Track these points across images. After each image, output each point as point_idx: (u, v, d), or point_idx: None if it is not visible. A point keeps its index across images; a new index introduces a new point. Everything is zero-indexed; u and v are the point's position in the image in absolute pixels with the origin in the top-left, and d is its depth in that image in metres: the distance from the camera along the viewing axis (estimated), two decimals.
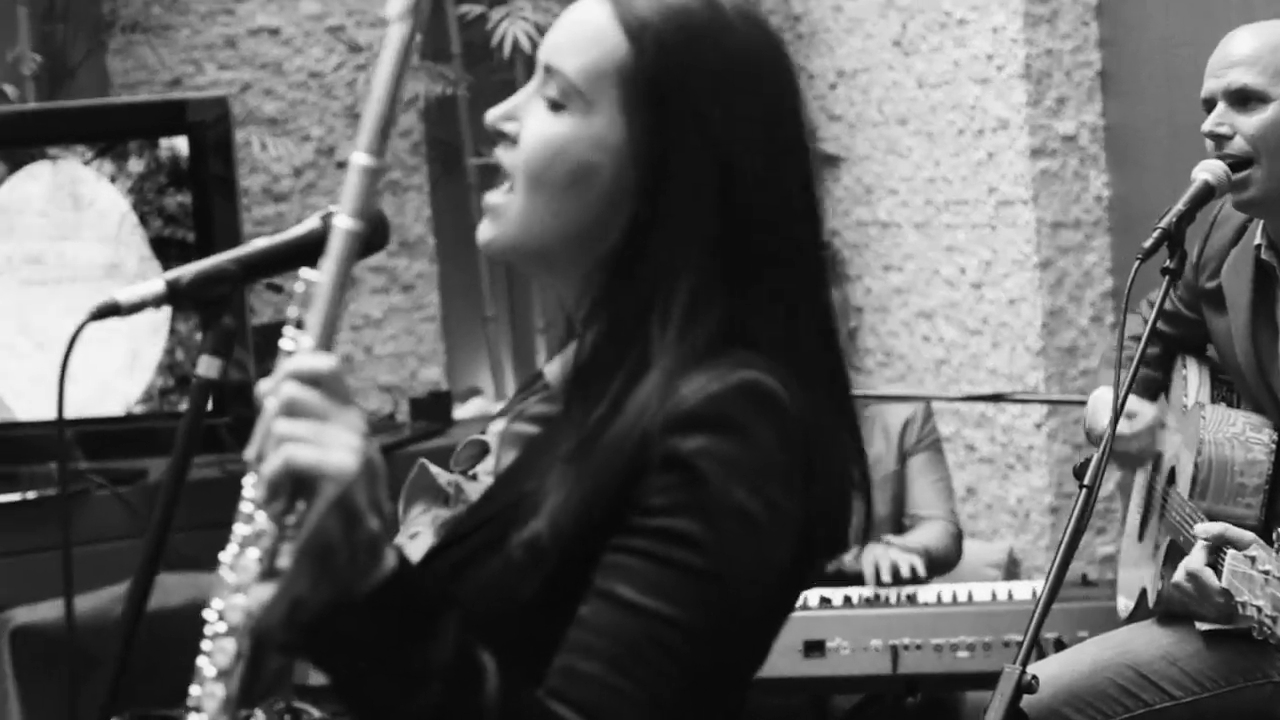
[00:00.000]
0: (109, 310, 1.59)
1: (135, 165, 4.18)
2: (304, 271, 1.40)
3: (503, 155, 1.56)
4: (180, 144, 4.14)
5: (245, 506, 1.37)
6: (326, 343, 1.36)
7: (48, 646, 4.00)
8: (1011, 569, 4.75)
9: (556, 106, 1.52)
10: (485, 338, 5.52)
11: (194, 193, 4.15)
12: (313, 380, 1.33)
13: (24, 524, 4.23)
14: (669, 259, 1.48)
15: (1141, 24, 4.75)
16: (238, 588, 1.35)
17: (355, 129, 5.30)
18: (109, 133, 4.23)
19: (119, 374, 4.05)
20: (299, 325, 1.39)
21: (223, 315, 1.60)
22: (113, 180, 4.19)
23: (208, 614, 1.37)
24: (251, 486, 1.37)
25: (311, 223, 1.61)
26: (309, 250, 1.54)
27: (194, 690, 1.36)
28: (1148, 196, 4.61)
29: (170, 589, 4.04)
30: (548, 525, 1.42)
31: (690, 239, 1.48)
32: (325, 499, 1.30)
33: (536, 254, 1.56)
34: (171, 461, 1.50)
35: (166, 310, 4.11)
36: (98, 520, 4.21)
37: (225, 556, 1.37)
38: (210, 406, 1.67)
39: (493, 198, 1.56)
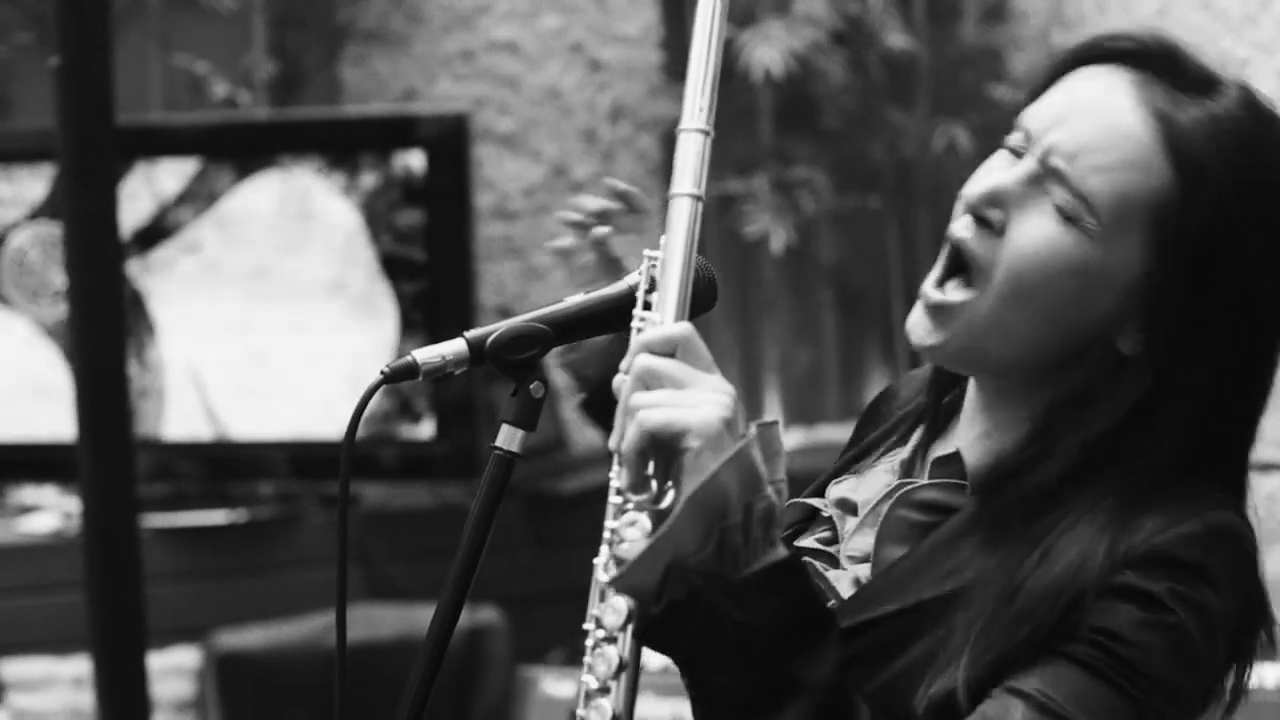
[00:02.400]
0: (405, 373, 1.45)
1: (368, 179, 4.27)
2: (647, 251, 1.43)
3: (973, 243, 1.46)
4: (414, 159, 4.22)
5: (613, 499, 1.36)
6: (681, 314, 1.37)
7: (255, 674, 4.09)
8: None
9: (1068, 219, 1.43)
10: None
11: (427, 210, 4.22)
12: (667, 348, 1.34)
13: (232, 545, 4.33)
14: (1156, 411, 1.42)
15: None
16: (613, 590, 1.33)
17: (590, 149, 5.37)
18: (341, 144, 4.33)
19: (341, 395, 4.14)
20: (646, 306, 1.41)
21: (529, 380, 1.47)
22: (343, 194, 4.28)
23: (586, 624, 1.36)
24: (616, 476, 1.36)
25: (632, 279, 1.49)
26: (628, 312, 1.46)
27: (579, 711, 1.35)
28: None
29: (379, 621, 4.12)
30: (964, 690, 1.36)
31: (1186, 396, 1.42)
32: (694, 452, 1.29)
33: (992, 367, 1.49)
34: (464, 544, 1.44)
35: (393, 330, 4.23)
36: (308, 545, 4.30)
37: (598, 559, 1.36)
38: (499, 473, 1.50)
39: (946, 294, 1.47)
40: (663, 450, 1.32)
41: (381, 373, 1.44)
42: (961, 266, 1.48)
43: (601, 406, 1.94)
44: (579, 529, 4.78)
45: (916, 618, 1.42)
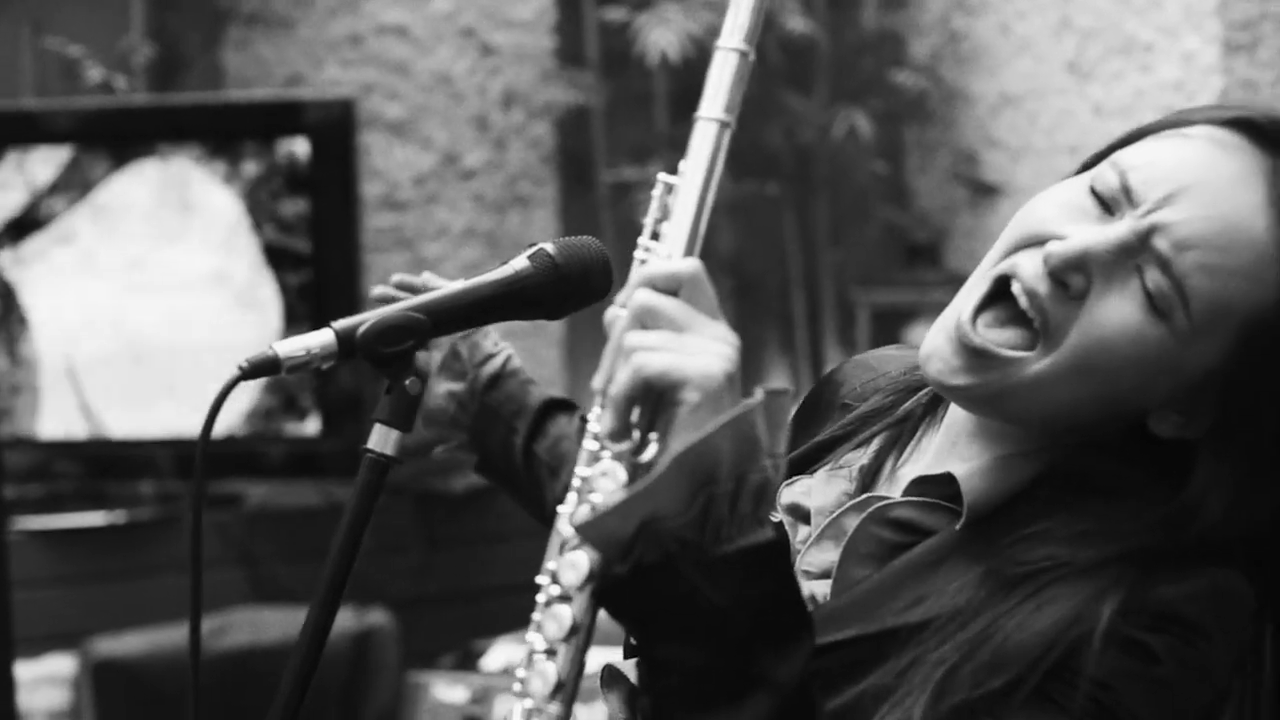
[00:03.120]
0: (266, 367, 1.35)
1: (250, 167, 4.22)
2: (662, 175, 1.33)
3: (1046, 302, 1.36)
4: (298, 147, 4.18)
5: (589, 445, 1.27)
6: (691, 249, 1.28)
7: (132, 681, 4.03)
8: None
9: (1156, 309, 1.34)
10: None
11: (312, 199, 4.18)
12: (671, 284, 1.25)
13: (110, 547, 4.27)
14: (1186, 498, 1.36)
15: None
16: (574, 544, 1.24)
17: (482, 137, 5.34)
18: (222, 131, 4.28)
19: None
20: (654, 236, 1.32)
21: (405, 375, 1.35)
22: (225, 182, 4.23)
23: (539, 578, 1.26)
24: (596, 420, 1.26)
25: (518, 263, 1.39)
26: (516, 298, 1.38)
27: (519, 672, 1.26)
28: None
29: (264, 624, 4.07)
30: None
31: (1222, 493, 1.36)
32: (691, 406, 1.20)
33: (1013, 419, 1.41)
34: (332, 559, 1.34)
35: (278, 323, 4.18)
36: (189, 547, 4.24)
37: (563, 508, 1.27)
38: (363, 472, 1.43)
39: (994, 343, 1.38)
40: (653, 399, 1.23)
41: (239, 368, 1.35)
42: (998, 299, 1.39)
43: (492, 467, 1.90)
44: (471, 528, 4.78)
45: (879, 644, 1.34)
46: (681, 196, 1.30)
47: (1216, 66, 4.75)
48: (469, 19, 5.29)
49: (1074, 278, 1.35)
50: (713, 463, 1.20)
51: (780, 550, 1.24)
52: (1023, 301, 1.37)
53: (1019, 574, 1.33)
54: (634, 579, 1.21)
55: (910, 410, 1.53)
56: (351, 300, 4.20)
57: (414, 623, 4.26)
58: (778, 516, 1.50)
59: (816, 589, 1.43)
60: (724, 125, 1.31)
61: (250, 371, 1.34)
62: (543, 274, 1.39)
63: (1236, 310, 1.34)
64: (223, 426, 4.33)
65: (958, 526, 1.40)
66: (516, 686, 1.26)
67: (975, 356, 1.38)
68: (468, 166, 5.20)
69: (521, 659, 1.27)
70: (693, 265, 1.26)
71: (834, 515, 1.46)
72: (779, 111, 5.18)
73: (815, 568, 1.45)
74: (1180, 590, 1.31)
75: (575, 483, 1.27)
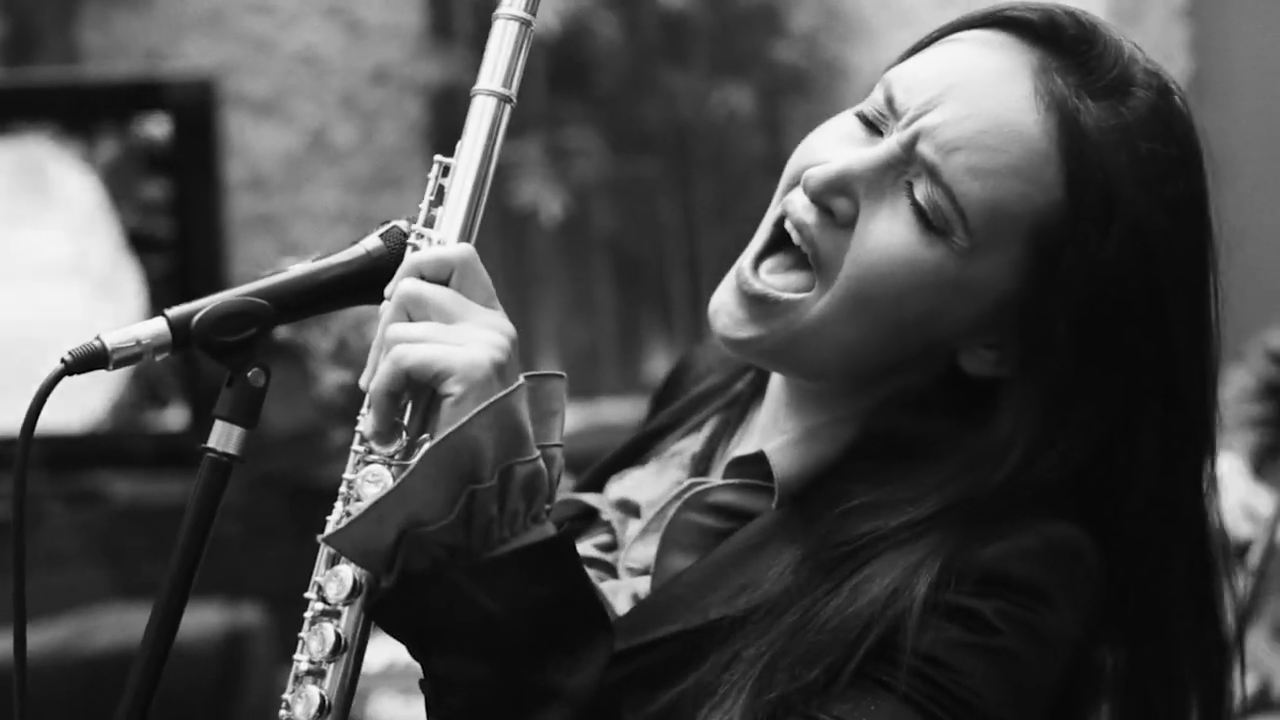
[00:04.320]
0: (92, 360, 1.25)
1: (107, 148, 4.16)
2: (437, 156, 1.28)
3: (815, 232, 1.29)
4: (158, 126, 4.13)
5: (356, 447, 1.22)
6: (467, 234, 1.24)
7: None
8: None
9: (931, 227, 1.26)
10: None
11: (173, 181, 4.13)
12: (441, 271, 1.20)
13: None
14: (1002, 443, 1.28)
15: (1236, 26, 4.72)
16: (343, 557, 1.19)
17: (351, 115, 5.31)
18: (78, 110, 4.22)
19: (84, 383, 4.02)
20: (428, 224, 1.27)
21: (248, 367, 1.26)
22: (81, 163, 4.17)
23: (307, 593, 1.22)
24: (362, 421, 1.22)
25: (370, 242, 1.29)
26: (368, 282, 1.28)
27: (285, 695, 1.21)
28: (1239, 211, 4.58)
29: (132, 624, 4.02)
30: None
31: (1041, 435, 1.27)
32: (454, 399, 1.15)
33: (809, 371, 1.34)
34: (173, 567, 1.24)
35: (140, 311, 4.13)
36: (51, 545, 4.19)
37: (332, 517, 1.22)
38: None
39: (771, 286, 1.31)
40: (421, 395, 1.19)
41: (62, 361, 1.25)
42: (781, 245, 1.33)
43: None
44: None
45: (701, 638, 1.28)
46: (456, 178, 1.26)
47: None
48: None
49: (838, 202, 1.29)
50: (472, 457, 1.16)
51: (561, 549, 1.20)
52: (795, 237, 1.32)
53: (835, 555, 1.27)
54: (401, 591, 1.17)
55: (740, 391, 1.48)
56: (217, 287, 4.15)
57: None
58: (607, 514, 1.45)
59: (639, 586, 1.37)
60: (503, 100, 1.28)
61: (75, 365, 1.25)
62: (396, 254, 1.29)
63: (1019, 216, 1.26)
64: (86, 419, 4.29)
65: (773, 505, 1.35)
66: (283, 711, 1.22)
67: (757, 304, 1.32)
68: (336, 146, 5.17)
69: (289, 681, 1.22)
70: (464, 251, 1.22)
71: (660, 507, 1.40)
72: (656, 87, 5.18)
73: (638, 564, 1.39)
74: (1004, 548, 1.24)
75: (341, 489, 1.23)
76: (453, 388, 1.17)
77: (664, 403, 1.57)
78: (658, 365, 5.48)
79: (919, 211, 1.27)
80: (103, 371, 1.29)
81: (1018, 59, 1.29)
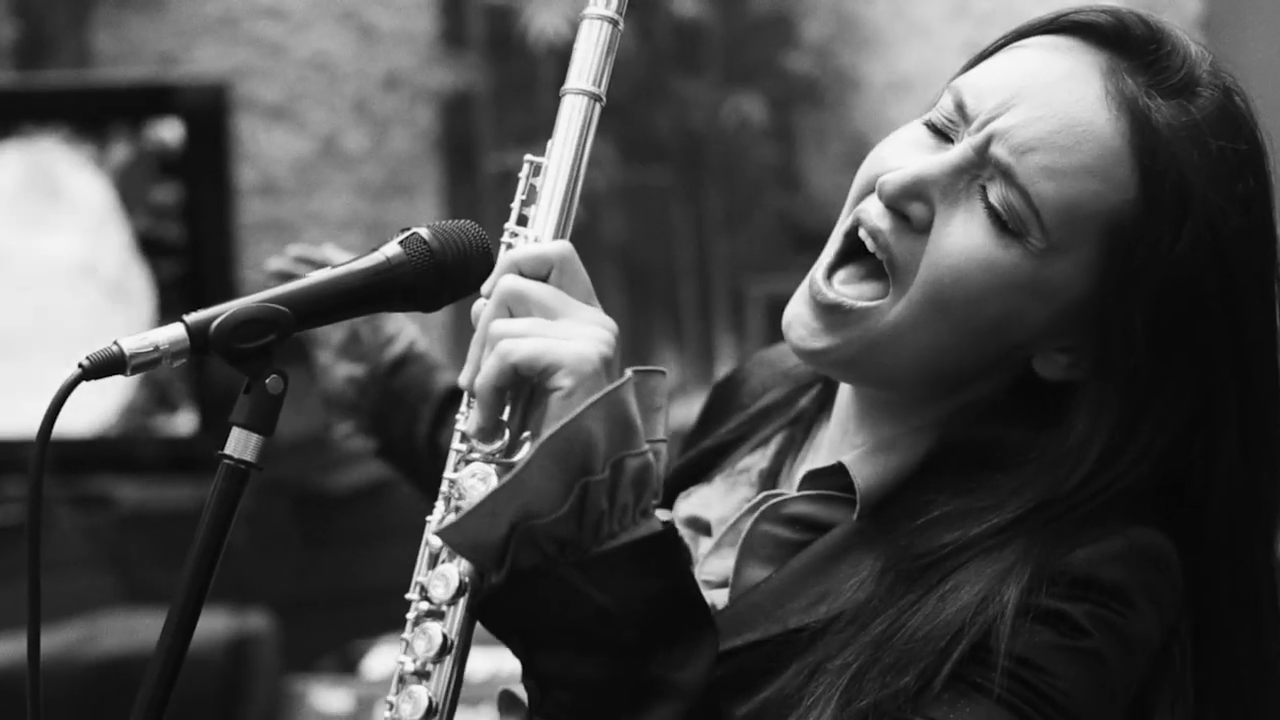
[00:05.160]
0: (110, 365, 1.24)
1: (119, 152, 4.16)
2: (528, 156, 1.28)
3: (890, 239, 1.30)
4: (170, 130, 4.12)
5: (457, 446, 1.22)
6: (561, 232, 1.24)
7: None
8: None
9: (1007, 229, 1.27)
10: None
11: (185, 185, 4.13)
12: (540, 269, 1.20)
13: None
14: (1085, 450, 1.27)
15: (1250, 38, 4.71)
16: (446, 556, 1.20)
17: (362, 120, 5.30)
18: (90, 113, 4.21)
19: (95, 387, 4.01)
20: (521, 221, 1.27)
21: (265, 373, 1.25)
22: (93, 167, 4.17)
23: (409, 594, 1.21)
24: (463, 420, 1.22)
25: (389, 249, 1.29)
26: (387, 288, 1.28)
27: (390, 696, 1.20)
28: None
29: (138, 629, 4.01)
30: None
31: (1124, 438, 1.27)
32: (564, 392, 1.14)
33: (883, 381, 1.34)
34: (188, 574, 1.25)
35: (150, 315, 4.13)
36: (60, 548, 4.18)
37: (432, 516, 1.22)
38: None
39: (846, 294, 1.31)
40: (525, 391, 1.19)
41: (81, 365, 1.24)
42: (853, 255, 1.33)
43: (394, 455, 1.86)
44: (351, 528, 4.74)
45: (781, 647, 1.28)
46: (549, 177, 1.27)
47: None
48: None
49: (913, 207, 1.29)
50: (585, 449, 1.15)
51: (670, 543, 1.19)
52: (869, 245, 1.32)
53: (919, 566, 1.27)
54: (510, 587, 1.16)
55: (804, 408, 1.48)
56: (227, 292, 4.16)
57: (293, 627, 4.23)
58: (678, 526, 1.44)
59: (717, 598, 1.37)
60: (594, 99, 1.29)
61: (92, 370, 1.24)
62: (417, 261, 1.29)
63: (1093, 215, 1.27)
64: (95, 424, 4.29)
65: (854, 517, 1.35)
66: (386, 713, 1.21)
67: (831, 314, 1.32)
68: (348, 152, 5.17)
69: (392, 682, 1.22)
70: (563, 248, 1.23)
71: (732, 521, 1.40)
72: (668, 96, 5.17)
73: (715, 577, 1.39)
74: (1093, 553, 1.24)
75: (443, 488, 1.23)
76: (562, 381, 1.17)
77: (715, 416, 1.57)
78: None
79: (994, 214, 1.27)
80: (114, 377, 1.28)
81: (1087, 61, 1.29)
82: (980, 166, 1.28)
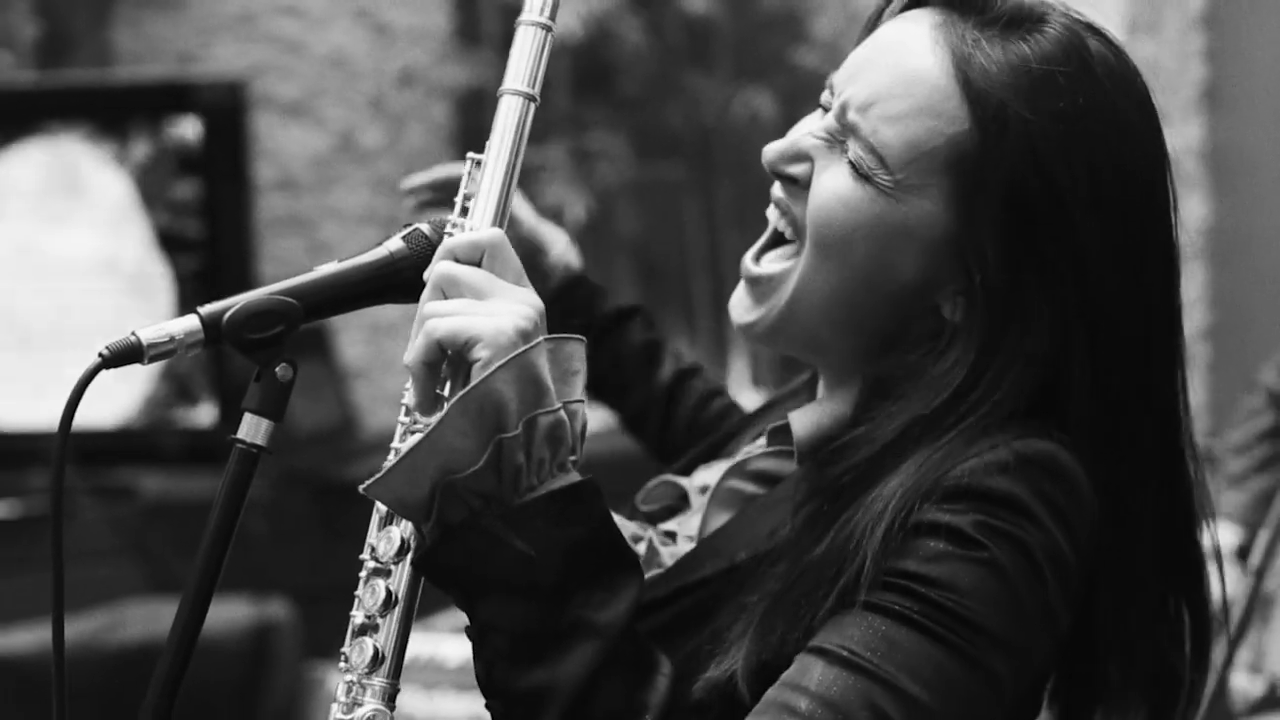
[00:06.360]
0: (128, 354, 1.29)
1: (139, 149, 4.18)
2: (470, 154, 1.36)
3: (788, 202, 1.41)
4: (189, 127, 4.14)
5: (401, 418, 1.31)
6: (498, 221, 1.32)
7: (22, 680, 3.99)
8: None
9: (859, 173, 1.36)
10: None
11: (204, 181, 4.14)
12: (473, 254, 1.28)
13: (0, 540, 4.22)
14: (982, 375, 1.32)
15: (1253, 35, 4.71)
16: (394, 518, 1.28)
17: (379, 117, 5.31)
18: (111, 111, 4.23)
19: (116, 379, 4.04)
20: (464, 212, 1.35)
21: (275, 362, 1.32)
22: (114, 163, 4.19)
23: (362, 554, 1.29)
24: (407, 394, 1.29)
25: (393, 244, 1.36)
26: (391, 282, 1.35)
27: (343, 649, 1.28)
28: (1254, 223, 4.57)
29: (161, 617, 4.03)
30: (744, 673, 1.28)
31: (1013, 357, 1.32)
32: (482, 362, 1.22)
33: (811, 343, 1.42)
34: (202, 555, 1.30)
35: (170, 309, 4.13)
36: (82, 539, 4.20)
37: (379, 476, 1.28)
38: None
39: (763, 266, 1.43)
40: (459, 369, 1.26)
41: (100, 355, 1.29)
42: (778, 241, 1.43)
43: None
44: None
45: (726, 582, 1.36)
46: (487, 171, 1.34)
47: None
48: None
49: (795, 169, 1.40)
50: (496, 408, 1.23)
51: (586, 494, 1.26)
52: (771, 216, 1.43)
53: (820, 501, 1.33)
54: (443, 541, 1.24)
55: (804, 396, 1.56)
56: (245, 285, 4.16)
57: (313, 615, 4.25)
58: (692, 492, 1.52)
59: (689, 548, 1.45)
60: (528, 99, 1.36)
61: (111, 359, 1.29)
62: (418, 256, 1.36)
63: (934, 150, 1.34)
64: (118, 416, 4.31)
65: (796, 463, 1.43)
66: (341, 662, 1.29)
67: (756, 286, 1.43)
68: (364, 148, 5.18)
69: (347, 634, 1.29)
70: (494, 234, 1.29)
71: (713, 483, 1.49)
72: (679, 92, 5.18)
73: (693, 530, 1.48)
74: (975, 464, 1.27)
75: (390, 456, 1.29)
76: (480, 353, 1.23)
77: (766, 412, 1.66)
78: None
79: (852, 165, 1.36)
80: (135, 369, 1.33)
81: (924, 21, 1.39)
82: (843, 133, 1.38)
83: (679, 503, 1.54)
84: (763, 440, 1.51)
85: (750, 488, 1.46)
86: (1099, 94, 1.35)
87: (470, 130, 5.41)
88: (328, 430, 4.49)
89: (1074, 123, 1.33)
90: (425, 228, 1.37)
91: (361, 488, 1.26)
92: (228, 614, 4.03)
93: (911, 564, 1.24)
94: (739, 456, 1.50)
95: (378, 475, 1.25)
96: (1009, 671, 1.25)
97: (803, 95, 5.39)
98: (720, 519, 1.45)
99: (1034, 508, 1.26)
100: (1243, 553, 2.84)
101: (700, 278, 5.37)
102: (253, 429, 1.32)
